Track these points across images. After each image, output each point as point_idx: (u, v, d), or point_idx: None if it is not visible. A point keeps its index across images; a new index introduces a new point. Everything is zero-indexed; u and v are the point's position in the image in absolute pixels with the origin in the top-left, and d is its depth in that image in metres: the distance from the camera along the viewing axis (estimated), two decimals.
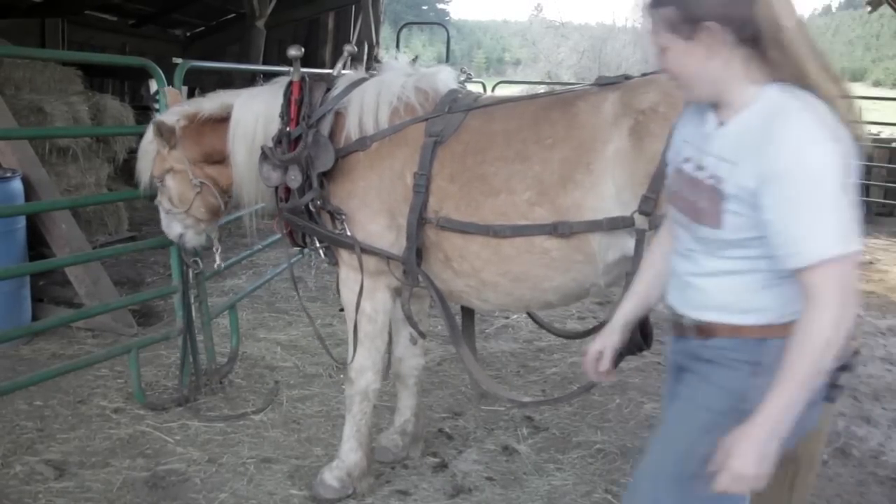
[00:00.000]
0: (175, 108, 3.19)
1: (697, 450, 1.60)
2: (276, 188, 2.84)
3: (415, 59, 2.97)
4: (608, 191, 2.37)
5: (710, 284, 1.62)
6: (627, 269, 2.44)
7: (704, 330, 1.64)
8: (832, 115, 1.47)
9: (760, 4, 1.46)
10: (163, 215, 3.25)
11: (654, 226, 2.29)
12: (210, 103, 3.07)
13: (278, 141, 2.77)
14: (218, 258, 3.43)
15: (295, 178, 2.71)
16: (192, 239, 3.26)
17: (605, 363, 1.91)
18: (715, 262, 1.59)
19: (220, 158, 3.01)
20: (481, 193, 2.51)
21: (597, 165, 2.38)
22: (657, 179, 2.27)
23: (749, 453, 1.44)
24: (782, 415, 1.44)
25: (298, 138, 2.73)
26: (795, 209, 1.44)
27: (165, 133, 3.00)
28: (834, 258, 1.41)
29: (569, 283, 2.55)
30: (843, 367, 1.58)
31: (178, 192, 3.10)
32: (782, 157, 1.44)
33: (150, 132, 3.09)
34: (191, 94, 12.82)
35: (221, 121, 2.98)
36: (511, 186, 2.46)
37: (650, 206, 2.29)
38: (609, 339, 1.91)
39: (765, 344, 1.56)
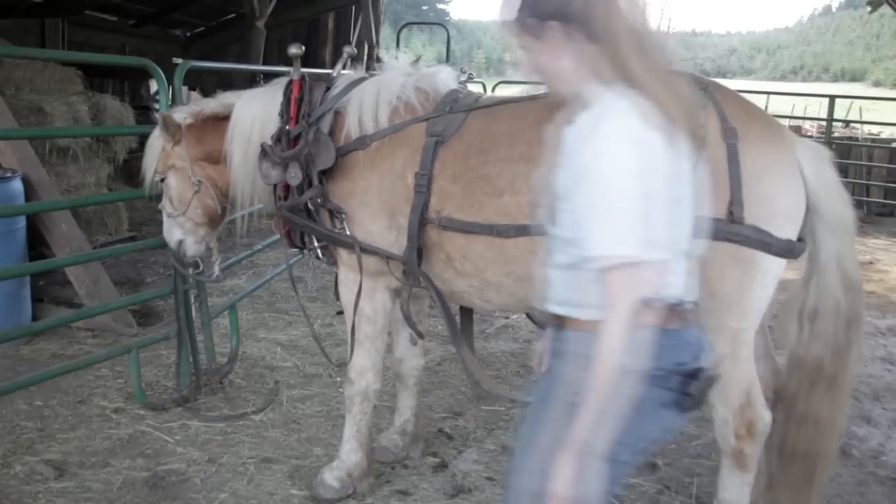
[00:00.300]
0: (184, 106, 3.24)
1: (540, 443, 1.61)
2: (275, 186, 2.84)
3: (417, 60, 2.97)
4: None
5: (558, 278, 1.64)
6: None
7: (556, 322, 1.66)
8: (658, 119, 1.44)
9: (596, 4, 1.48)
10: (164, 220, 3.27)
11: None
12: (214, 102, 3.12)
13: (277, 139, 2.78)
14: (216, 268, 3.44)
15: (295, 176, 2.71)
16: (191, 247, 3.26)
17: (546, 364, 1.94)
18: (560, 258, 1.62)
19: (219, 158, 3.03)
20: (485, 194, 2.51)
21: None
22: None
23: (562, 475, 1.42)
24: (587, 431, 1.41)
25: (298, 136, 2.73)
26: (590, 208, 1.43)
27: (171, 127, 3.04)
28: (621, 262, 1.39)
29: None
30: (692, 375, 1.55)
31: (178, 192, 3.12)
32: (588, 156, 1.44)
33: (158, 127, 3.15)
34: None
35: (223, 119, 3.01)
36: (515, 187, 2.46)
37: None
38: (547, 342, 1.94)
39: (589, 338, 1.54)
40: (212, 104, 3.11)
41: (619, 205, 1.40)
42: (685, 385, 1.53)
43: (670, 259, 1.45)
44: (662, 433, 1.61)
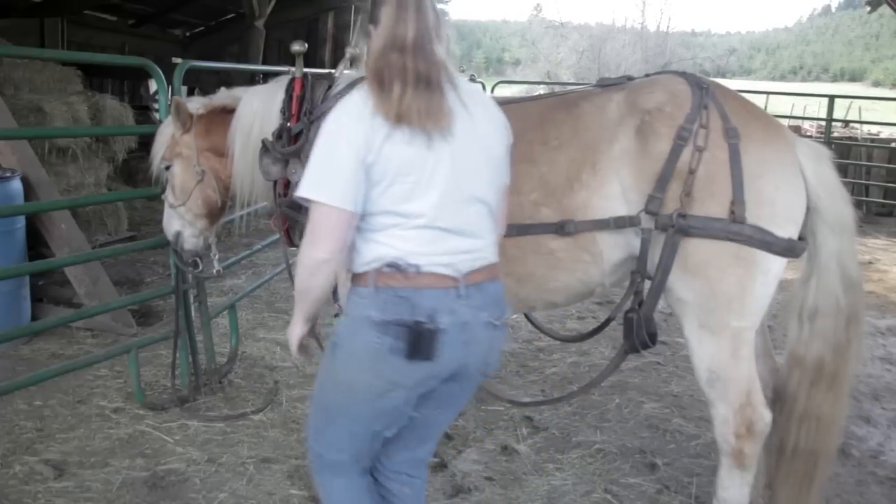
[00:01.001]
0: (198, 97, 3.30)
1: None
2: (275, 184, 2.85)
3: None
4: (614, 191, 2.38)
5: None
6: (632, 269, 2.45)
7: None
8: (374, 110, 1.73)
9: (383, 11, 1.77)
10: (165, 211, 3.30)
11: (661, 225, 2.30)
12: (224, 94, 3.18)
13: (278, 135, 2.79)
14: (216, 263, 3.46)
15: (296, 172, 2.72)
16: (189, 240, 3.29)
17: None
18: None
19: (224, 151, 3.07)
20: None
21: (603, 166, 2.39)
22: (663, 179, 2.28)
23: (290, 331, 2.06)
24: (296, 312, 2.00)
25: (299, 133, 2.74)
26: None
27: (183, 114, 3.09)
28: (309, 199, 1.75)
29: (575, 283, 2.55)
30: (409, 327, 1.76)
31: (181, 181, 3.16)
32: None
33: (170, 114, 3.19)
34: (190, 94, 12.83)
35: (231, 112, 3.05)
36: (517, 187, 2.45)
37: (656, 205, 2.30)
38: None
39: (350, 290, 1.88)
40: (222, 96, 3.17)
41: (319, 155, 1.77)
42: (403, 335, 1.76)
43: (354, 212, 1.75)
44: (397, 376, 1.82)
